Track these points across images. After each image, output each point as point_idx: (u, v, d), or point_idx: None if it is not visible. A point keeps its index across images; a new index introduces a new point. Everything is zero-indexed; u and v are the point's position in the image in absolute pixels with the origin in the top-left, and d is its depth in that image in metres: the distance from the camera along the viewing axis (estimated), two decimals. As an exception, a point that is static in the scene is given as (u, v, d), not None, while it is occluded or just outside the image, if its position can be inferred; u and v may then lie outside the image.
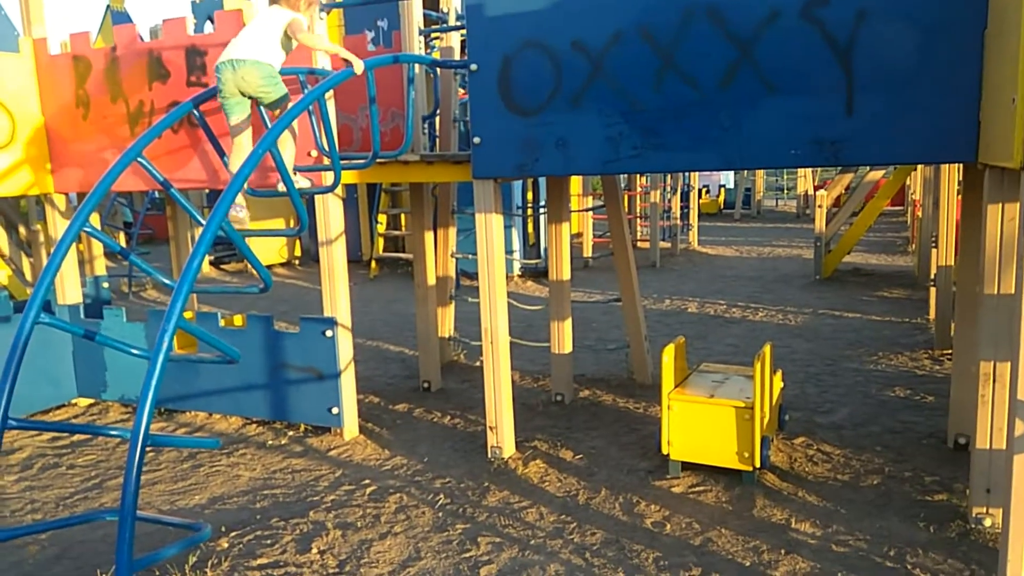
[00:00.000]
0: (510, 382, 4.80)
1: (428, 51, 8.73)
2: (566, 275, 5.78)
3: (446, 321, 7.02)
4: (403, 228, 12.35)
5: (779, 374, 4.86)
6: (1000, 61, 3.07)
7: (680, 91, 3.94)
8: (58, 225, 6.02)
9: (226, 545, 3.73)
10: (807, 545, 3.58)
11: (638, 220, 15.63)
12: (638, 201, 15.64)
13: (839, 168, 11.68)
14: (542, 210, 10.75)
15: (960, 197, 4.76)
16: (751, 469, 4.19)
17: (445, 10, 6.96)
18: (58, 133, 5.77)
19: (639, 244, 14.56)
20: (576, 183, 13.62)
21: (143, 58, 5.32)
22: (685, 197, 15.84)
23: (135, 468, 2.92)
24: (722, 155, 3.96)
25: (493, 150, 4.41)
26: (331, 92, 4.57)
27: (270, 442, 5.17)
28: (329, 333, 5.03)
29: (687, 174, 16.16)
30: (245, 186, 4.23)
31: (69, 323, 3.97)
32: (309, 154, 4.94)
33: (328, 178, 4.82)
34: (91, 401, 6.11)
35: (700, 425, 4.27)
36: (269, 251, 14.18)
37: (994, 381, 3.46)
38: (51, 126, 5.79)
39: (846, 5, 3.57)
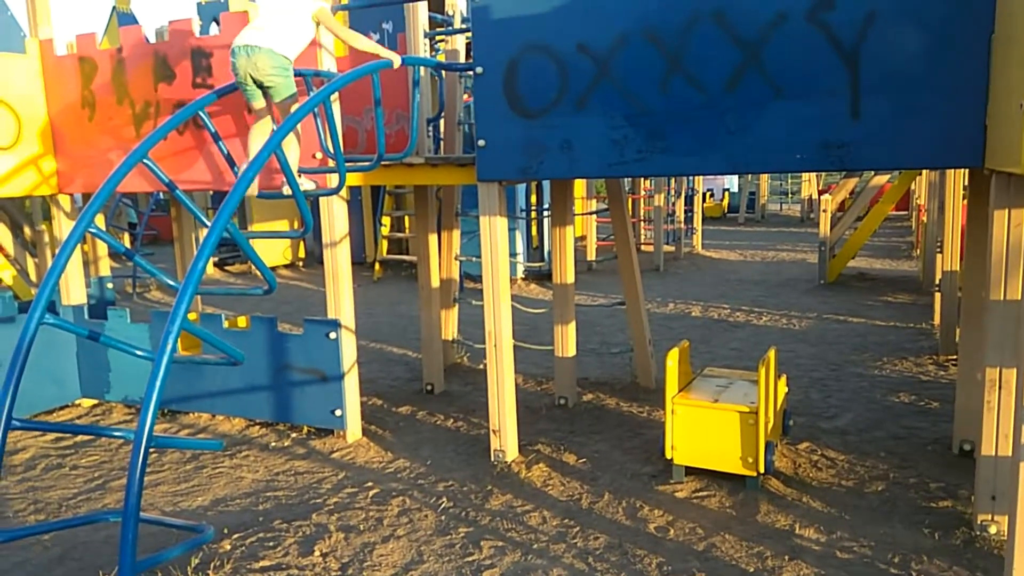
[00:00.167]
0: (513, 385, 4.80)
1: (433, 54, 8.74)
2: (570, 278, 5.78)
3: (450, 324, 7.02)
4: (407, 230, 12.37)
5: (783, 379, 4.84)
6: (1007, 66, 3.06)
7: (686, 94, 3.93)
8: (63, 226, 6.04)
9: (229, 547, 3.72)
10: (811, 551, 3.56)
11: (642, 223, 15.62)
12: (642, 204, 15.64)
13: (844, 172, 11.66)
14: (546, 213, 10.75)
15: (965, 202, 4.74)
16: (755, 474, 4.17)
17: (450, 13, 6.96)
18: (64, 134, 5.79)
19: (643, 248, 14.55)
20: (580, 186, 13.61)
21: (149, 59, 5.33)
22: (689, 201, 15.83)
23: (138, 469, 2.92)
24: (728, 159, 3.95)
25: (498, 153, 4.41)
26: (336, 95, 4.57)
27: (273, 444, 5.17)
28: (333, 335, 5.03)
29: (691, 177, 16.14)
30: (254, 188, 4.24)
31: (73, 324, 3.97)
32: (314, 156, 4.94)
33: (333, 180, 4.82)
34: (95, 402, 6.12)
35: (704, 430, 4.25)
36: (273, 252, 14.21)
37: (1000, 387, 3.45)
38: (57, 127, 5.80)
39: (853, 8, 3.57)
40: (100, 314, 6.03)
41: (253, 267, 13.80)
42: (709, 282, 11.79)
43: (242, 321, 5.73)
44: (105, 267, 8.27)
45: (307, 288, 12.18)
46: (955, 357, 6.27)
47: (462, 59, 6.13)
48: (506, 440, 4.71)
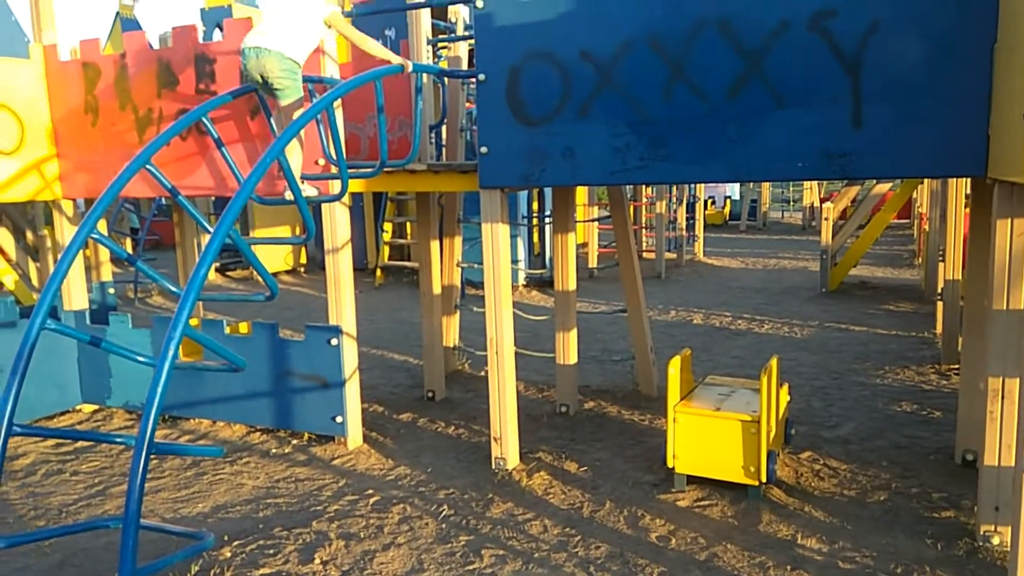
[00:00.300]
0: (515, 392, 4.79)
1: (436, 61, 8.75)
2: (571, 285, 5.77)
3: (451, 330, 7.01)
4: (409, 237, 12.37)
5: (785, 387, 4.83)
6: (1010, 75, 3.06)
7: (688, 102, 3.93)
8: (65, 231, 6.04)
9: (229, 554, 3.71)
10: (813, 561, 3.55)
11: (643, 231, 15.62)
12: (644, 212, 15.65)
13: (845, 181, 11.66)
14: (548, 220, 10.75)
15: (968, 211, 4.74)
16: (757, 484, 4.16)
17: (453, 20, 7.00)
18: (67, 139, 5.80)
19: (644, 255, 14.55)
20: (582, 193, 13.62)
21: (152, 65, 5.34)
22: (691, 208, 15.83)
23: (139, 475, 2.91)
24: (729, 167, 3.95)
25: (500, 160, 4.41)
26: (339, 101, 4.57)
27: (274, 451, 5.16)
28: (334, 341, 5.02)
29: (693, 185, 16.15)
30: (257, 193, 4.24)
31: (75, 329, 3.97)
32: (316, 162, 4.95)
33: (335, 187, 4.83)
34: (95, 407, 6.11)
35: (706, 438, 4.24)
36: (275, 258, 14.21)
37: (1003, 397, 3.44)
38: (60, 132, 5.81)
39: (855, 17, 3.57)
40: (102, 319, 6.02)
41: (255, 273, 13.81)
42: (711, 290, 11.78)
43: (243, 327, 5.72)
44: (107, 272, 8.25)
45: (309, 294, 12.17)
46: (957, 366, 6.26)
47: (465, 66, 6.14)
48: (507, 448, 4.70)
